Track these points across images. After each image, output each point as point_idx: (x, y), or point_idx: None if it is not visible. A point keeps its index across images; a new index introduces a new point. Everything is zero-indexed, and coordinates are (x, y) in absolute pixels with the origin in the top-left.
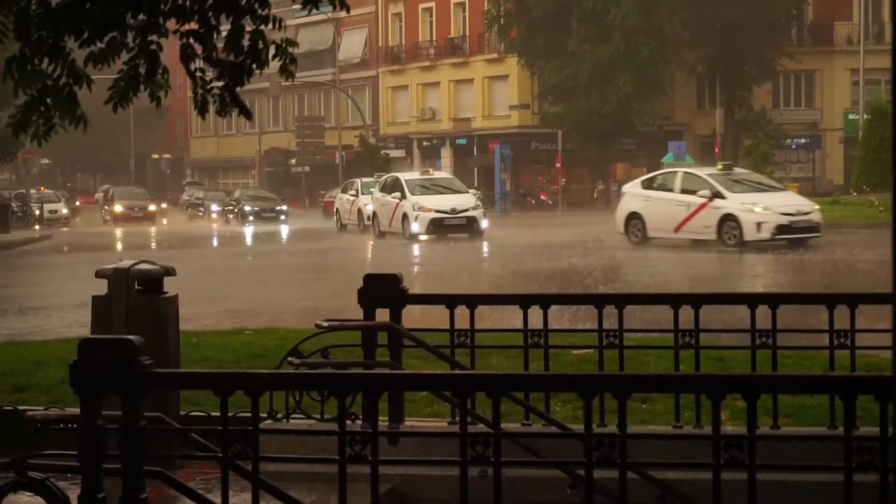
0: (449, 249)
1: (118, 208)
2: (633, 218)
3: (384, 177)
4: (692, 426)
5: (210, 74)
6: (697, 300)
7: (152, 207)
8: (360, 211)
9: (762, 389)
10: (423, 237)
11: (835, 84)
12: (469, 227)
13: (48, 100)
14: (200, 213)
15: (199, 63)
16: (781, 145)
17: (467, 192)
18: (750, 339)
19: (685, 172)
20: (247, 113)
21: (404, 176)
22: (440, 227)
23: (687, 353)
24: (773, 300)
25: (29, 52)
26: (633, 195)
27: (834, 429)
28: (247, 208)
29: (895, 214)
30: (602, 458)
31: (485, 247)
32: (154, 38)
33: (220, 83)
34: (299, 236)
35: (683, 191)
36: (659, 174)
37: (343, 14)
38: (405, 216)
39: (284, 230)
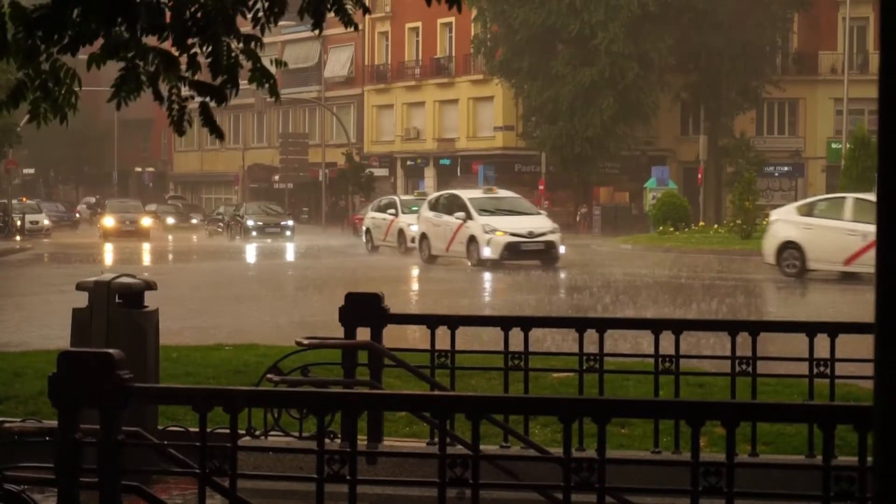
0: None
1: (108, 222)
2: (789, 247)
3: (435, 195)
4: (671, 452)
5: (186, 92)
6: (678, 326)
7: (146, 222)
8: (401, 231)
9: (741, 417)
10: (490, 262)
11: (818, 113)
12: (547, 253)
13: (34, 90)
14: (220, 230)
15: (173, 81)
16: (764, 173)
17: (540, 213)
18: (730, 366)
19: (856, 199)
20: (219, 134)
21: (466, 194)
22: (516, 252)
23: (667, 379)
24: (754, 327)
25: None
26: (788, 222)
27: (812, 457)
28: (249, 222)
29: (880, 241)
30: (581, 483)
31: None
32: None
33: (196, 101)
34: (330, 256)
35: (855, 219)
36: (820, 199)
37: (330, 31)
38: (472, 239)
39: (296, 247)
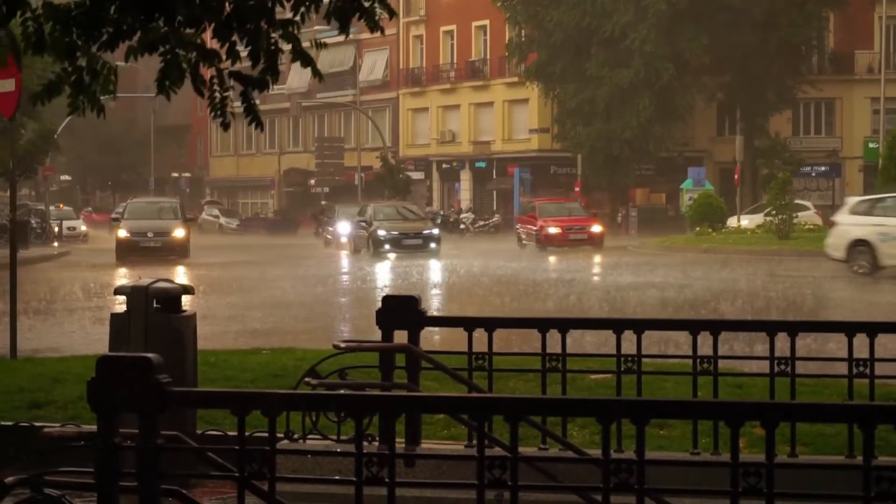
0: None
1: (122, 233)
2: (859, 246)
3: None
4: (710, 453)
5: (226, 83)
6: (716, 326)
7: (179, 233)
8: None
9: (781, 417)
10: None
11: (855, 112)
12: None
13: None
14: (329, 237)
15: (215, 64)
16: (800, 173)
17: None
18: (769, 367)
19: None
20: (259, 123)
21: None
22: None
23: (705, 380)
24: (792, 327)
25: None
26: (856, 222)
27: (852, 458)
28: (381, 233)
29: None
30: (619, 484)
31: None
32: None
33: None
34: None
35: None
36: (882, 198)
37: (365, 35)
38: None
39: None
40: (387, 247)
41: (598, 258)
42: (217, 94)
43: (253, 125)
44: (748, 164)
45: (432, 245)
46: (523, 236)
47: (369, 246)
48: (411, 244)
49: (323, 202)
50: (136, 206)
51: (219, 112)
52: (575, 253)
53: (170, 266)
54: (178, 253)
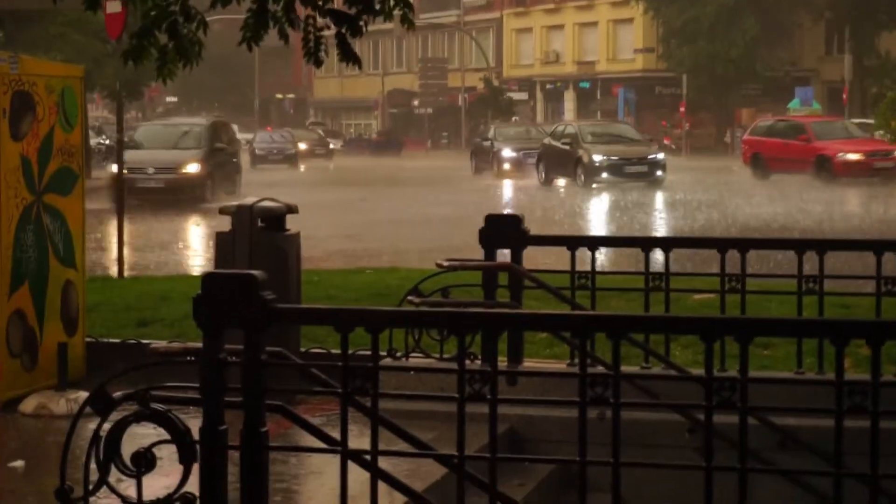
0: None
1: (114, 168)
2: None
3: None
4: (814, 373)
5: (321, 22)
6: (822, 246)
7: (191, 168)
8: None
9: (887, 335)
10: None
11: None
12: None
13: (162, 32)
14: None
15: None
16: None
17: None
18: (875, 286)
19: None
20: (357, 62)
21: None
22: None
23: (810, 300)
24: None
25: None
26: None
27: None
28: (597, 158)
29: None
30: (722, 402)
31: None
32: None
33: (332, 31)
34: None
35: None
36: None
37: None
38: None
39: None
40: (604, 175)
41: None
42: (311, 37)
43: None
44: (857, 84)
45: (658, 173)
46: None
47: (579, 176)
48: (634, 171)
49: (482, 126)
50: (148, 131)
51: (313, 53)
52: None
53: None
54: (188, 195)
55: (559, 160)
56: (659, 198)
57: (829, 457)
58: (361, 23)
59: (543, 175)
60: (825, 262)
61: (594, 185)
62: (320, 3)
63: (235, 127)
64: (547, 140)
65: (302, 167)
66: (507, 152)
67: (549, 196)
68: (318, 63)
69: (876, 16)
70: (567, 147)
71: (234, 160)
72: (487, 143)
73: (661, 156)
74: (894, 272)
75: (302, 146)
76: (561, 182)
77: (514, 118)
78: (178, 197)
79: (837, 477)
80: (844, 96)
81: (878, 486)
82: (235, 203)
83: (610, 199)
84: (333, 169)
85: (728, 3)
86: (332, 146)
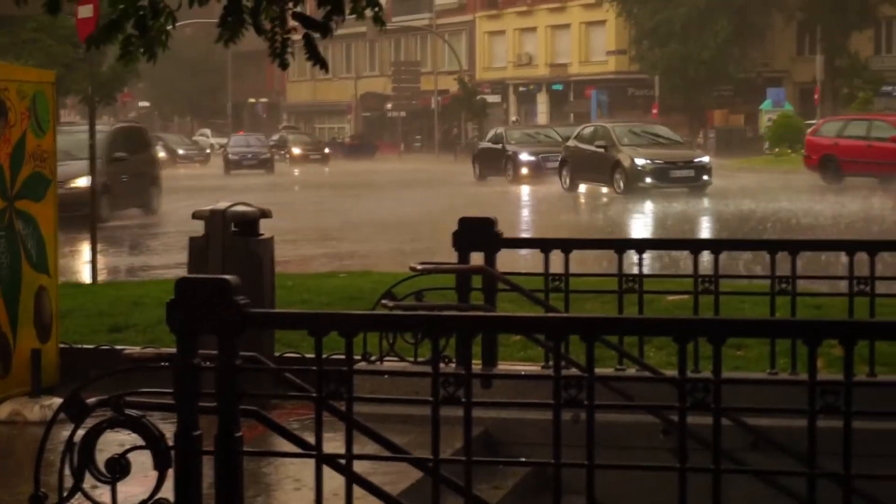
0: None
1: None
2: None
3: None
4: (787, 373)
5: (291, 24)
6: (794, 246)
7: (80, 182)
8: None
9: (859, 335)
10: None
11: None
12: None
13: (130, 27)
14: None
15: (275, 13)
16: (881, 93)
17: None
18: (848, 287)
19: None
20: (324, 65)
21: None
22: None
23: (783, 300)
24: (872, 247)
25: None
26: None
27: None
28: (639, 162)
29: None
30: (696, 403)
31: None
32: None
33: (298, 35)
34: None
35: None
36: None
37: None
38: None
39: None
40: (648, 180)
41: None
42: (278, 39)
43: (317, 65)
44: (828, 85)
45: (705, 177)
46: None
47: (617, 181)
48: (681, 176)
49: (455, 129)
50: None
51: (278, 54)
52: None
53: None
54: (77, 212)
55: (589, 164)
56: (726, 207)
57: (803, 457)
58: (332, 23)
59: (568, 180)
60: (797, 262)
61: (639, 191)
62: (290, 5)
63: (207, 131)
64: (572, 143)
65: (296, 171)
66: (525, 156)
67: (586, 203)
68: (284, 65)
69: (847, 16)
70: (601, 150)
71: (148, 172)
72: (497, 147)
73: (706, 159)
74: (866, 272)
75: (296, 150)
76: (582, 188)
77: (512, 119)
78: (64, 214)
79: (811, 477)
80: (816, 97)
81: (851, 486)
82: (209, 207)
83: (659, 207)
84: (329, 173)
85: (700, 5)
86: (327, 150)
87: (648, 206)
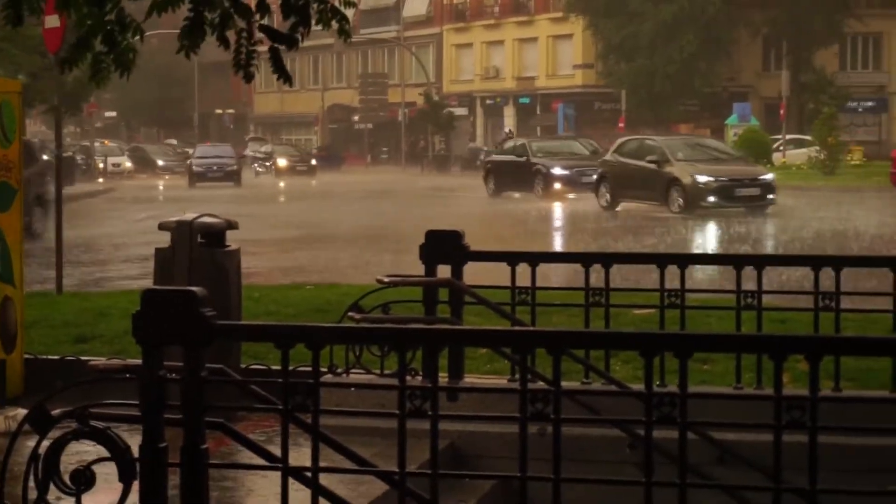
0: None
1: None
2: None
3: None
4: (753, 388)
5: (257, 36)
6: (760, 261)
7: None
8: None
9: (825, 350)
10: None
11: None
12: None
13: (99, 42)
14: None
15: (241, 26)
16: (847, 108)
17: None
18: (813, 302)
19: None
20: (287, 79)
21: None
22: None
23: (749, 315)
24: (837, 262)
25: None
26: None
27: None
28: (701, 179)
29: None
30: (662, 417)
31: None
32: None
33: (265, 47)
34: None
35: None
36: None
37: None
38: None
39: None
40: (711, 199)
41: None
42: (243, 49)
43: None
44: (794, 100)
45: (770, 196)
46: None
47: (674, 200)
48: (746, 195)
49: (508, 130)
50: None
51: (242, 66)
52: None
53: None
54: None
55: (635, 181)
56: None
57: (769, 471)
58: (298, 35)
59: (609, 197)
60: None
61: (700, 210)
62: (255, 18)
63: (174, 142)
64: (611, 157)
65: (281, 183)
66: (559, 170)
67: (640, 225)
68: (249, 78)
69: (812, 32)
70: (652, 166)
71: (30, 190)
72: (520, 160)
73: (770, 176)
74: (831, 288)
75: (282, 162)
76: (620, 206)
77: (507, 130)
78: None
79: (777, 491)
80: (782, 112)
81: (816, 501)
82: (175, 219)
83: (733, 229)
84: (316, 184)
85: (666, 20)
86: (314, 162)
87: (712, 226)
